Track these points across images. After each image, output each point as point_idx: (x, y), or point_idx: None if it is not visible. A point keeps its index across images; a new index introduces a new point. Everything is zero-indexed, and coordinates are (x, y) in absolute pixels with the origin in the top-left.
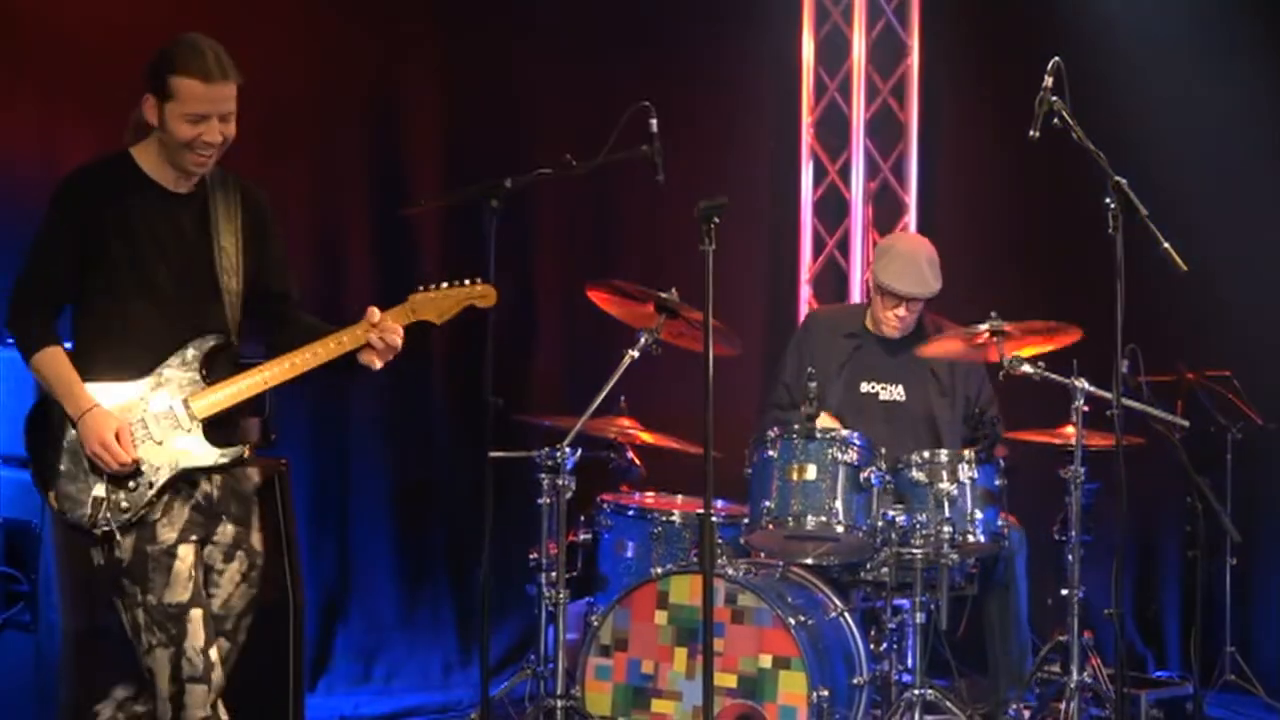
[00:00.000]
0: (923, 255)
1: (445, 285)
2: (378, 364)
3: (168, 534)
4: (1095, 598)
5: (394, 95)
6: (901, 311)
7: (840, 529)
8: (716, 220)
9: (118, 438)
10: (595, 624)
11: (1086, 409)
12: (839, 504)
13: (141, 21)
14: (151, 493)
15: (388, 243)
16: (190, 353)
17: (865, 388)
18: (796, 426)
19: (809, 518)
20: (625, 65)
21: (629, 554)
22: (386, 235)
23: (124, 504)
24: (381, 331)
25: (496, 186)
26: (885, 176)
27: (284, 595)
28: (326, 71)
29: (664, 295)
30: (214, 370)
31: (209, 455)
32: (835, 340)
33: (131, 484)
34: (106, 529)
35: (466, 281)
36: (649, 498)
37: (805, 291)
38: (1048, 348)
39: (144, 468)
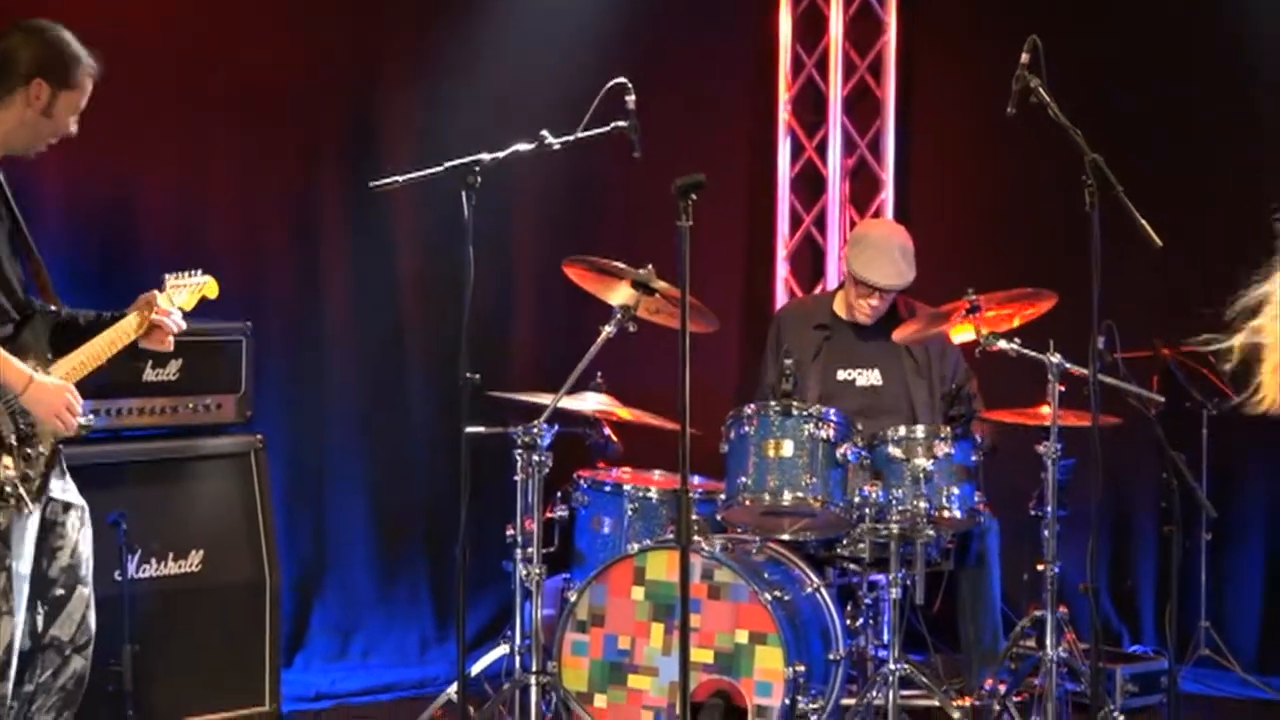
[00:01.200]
0: (896, 244)
1: (186, 275)
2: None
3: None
4: (1071, 573)
5: (373, 71)
6: (875, 301)
7: (817, 504)
8: (693, 197)
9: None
10: (572, 600)
11: (1062, 387)
12: (816, 479)
13: None
14: (42, 463)
15: (361, 219)
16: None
17: (842, 375)
18: (773, 403)
19: (786, 493)
20: (602, 41)
21: (606, 530)
22: (361, 211)
23: (29, 473)
24: (166, 316)
25: (473, 163)
26: (862, 153)
27: (260, 572)
28: (295, 40)
29: (641, 271)
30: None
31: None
32: (806, 333)
33: (30, 453)
34: (18, 499)
35: (199, 273)
36: (626, 474)
37: (782, 269)
38: (1027, 312)
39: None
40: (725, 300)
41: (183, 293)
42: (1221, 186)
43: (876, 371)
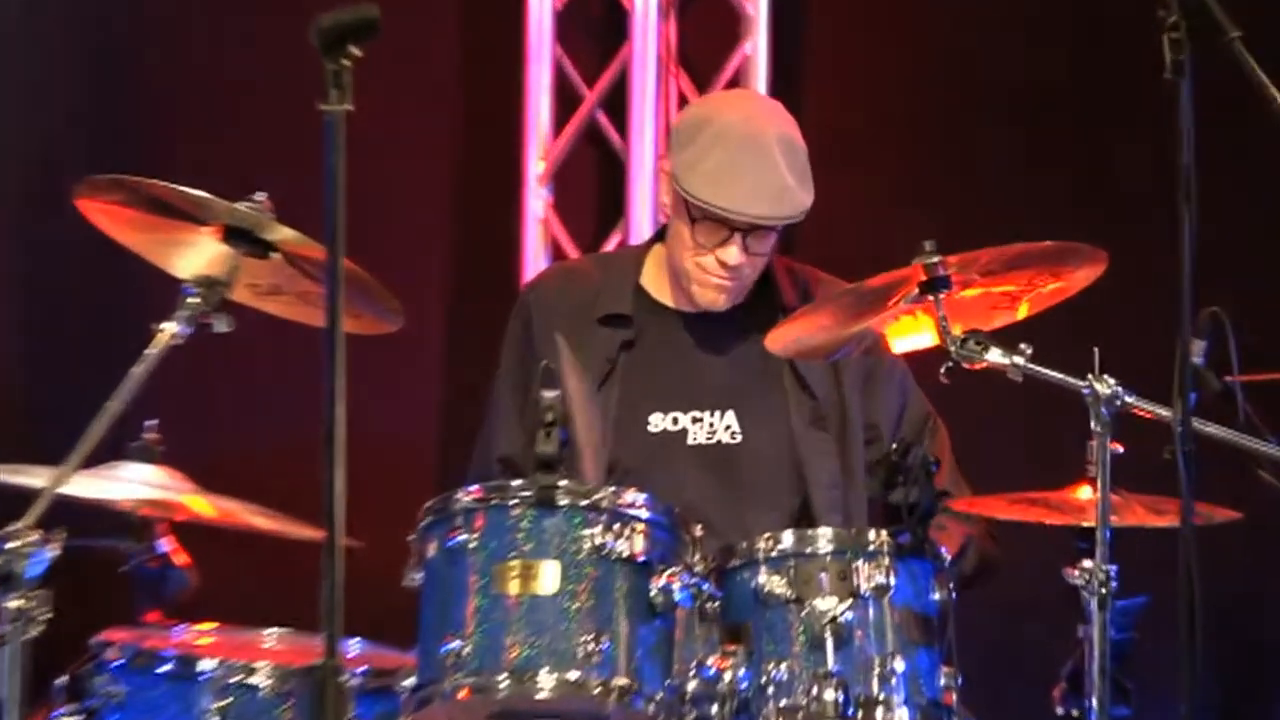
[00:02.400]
0: (773, 137)
1: None
2: None
3: None
4: None
5: None
6: (734, 254)
7: (609, 698)
8: (355, 52)
9: None
10: None
11: (1119, 447)
12: (608, 643)
13: None
14: None
15: None
16: None
17: (657, 422)
18: (518, 485)
19: (544, 673)
20: None
21: None
22: None
23: None
24: None
25: None
26: None
27: None
28: None
29: (242, 207)
30: None
31: None
32: (584, 334)
33: None
34: None
35: None
36: (205, 635)
37: (536, 203)
38: (1044, 292)
39: None
40: (422, 269)
41: None
42: None
43: (731, 415)
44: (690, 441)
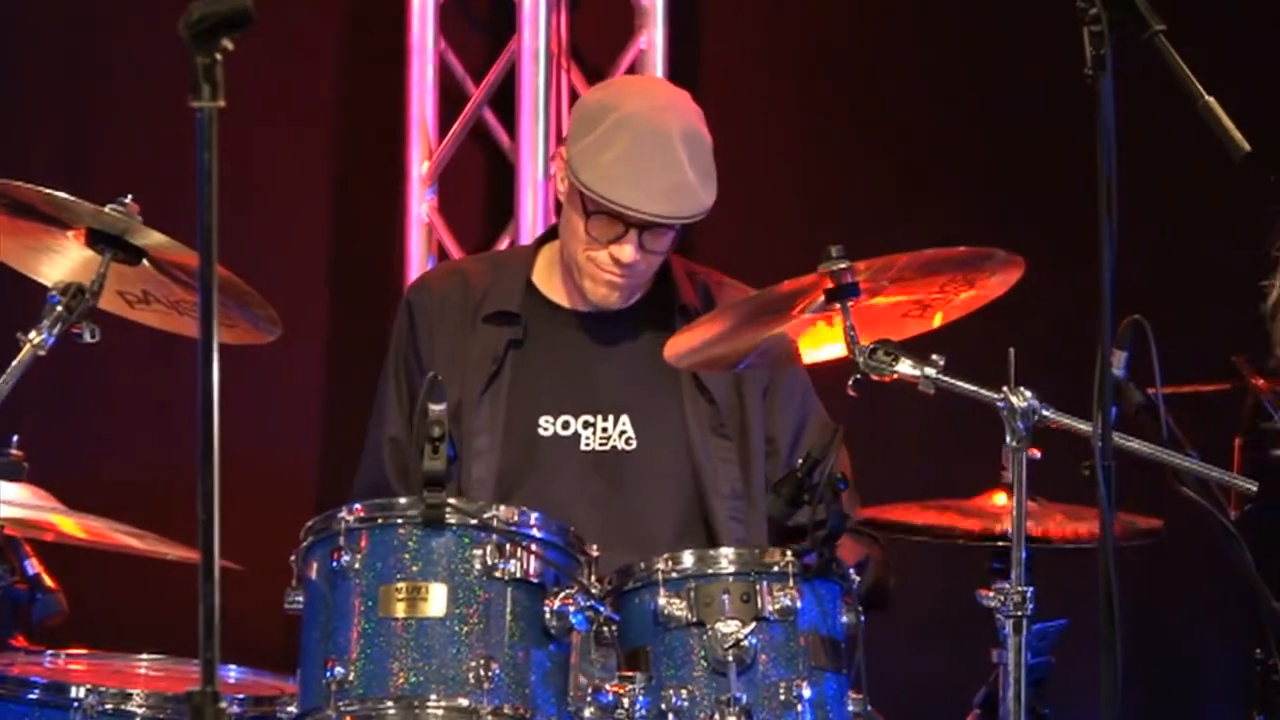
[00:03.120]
0: (677, 131)
1: None
2: None
3: None
4: None
5: None
6: (629, 252)
7: None
8: (228, 45)
9: None
10: None
11: (1037, 454)
12: (498, 669)
13: None
14: None
15: None
16: None
17: (547, 426)
18: (404, 503)
19: (432, 701)
20: None
21: None
22: None
23: None
24: None
25: None
26: None
27: None
28: None
29: (108, 209)
30: None
31: None
32: (468, 334)
33: None
34: None
35: None
36: (75, 661)
37: (420, 206)
38: (957, 300)
39: None
40: (302, 276)
41: None
42: None
43: (626, 420)
44: (583, 447)
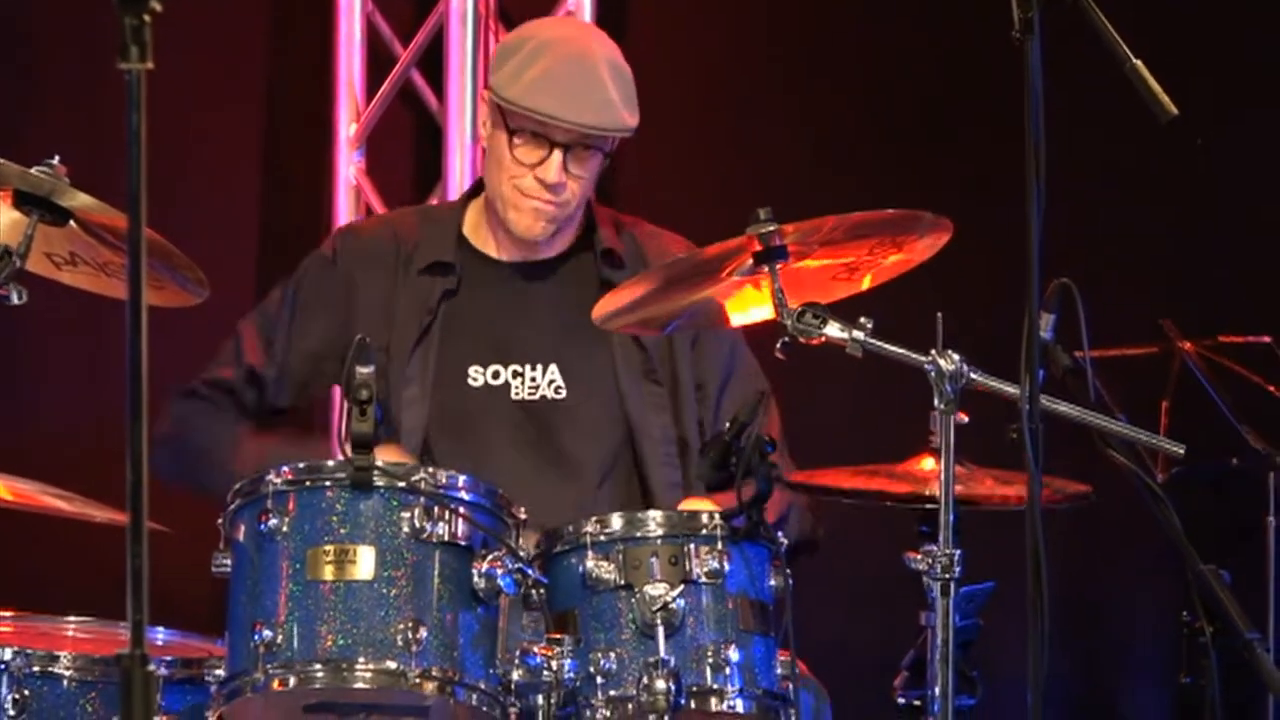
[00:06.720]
0: (601, 57)
1: None
2: None
3: None
4: None
5: None
6: (553, 171)
7: (429, 687)
8: (156, 9)
9: None
10: None
11: (964, 417)
12: (427, 634)
13: None
14: None
15: None
16: None
17: (477, 376)
18: (331, 465)
19: (360, 663)
20: None
21: None
22: None
23: None
24: None
25: None
26: None
27: None
28: None
29: (35, 171)
30: None
31: None
32: (399, 281)
33: None
34: None
35: None
36: (1, 623)
37: (348, 168)
38: (885, 263)
39: None
40: (229, 238)
41: None
42: None
43: (555, 369)
44: (513, 396)
